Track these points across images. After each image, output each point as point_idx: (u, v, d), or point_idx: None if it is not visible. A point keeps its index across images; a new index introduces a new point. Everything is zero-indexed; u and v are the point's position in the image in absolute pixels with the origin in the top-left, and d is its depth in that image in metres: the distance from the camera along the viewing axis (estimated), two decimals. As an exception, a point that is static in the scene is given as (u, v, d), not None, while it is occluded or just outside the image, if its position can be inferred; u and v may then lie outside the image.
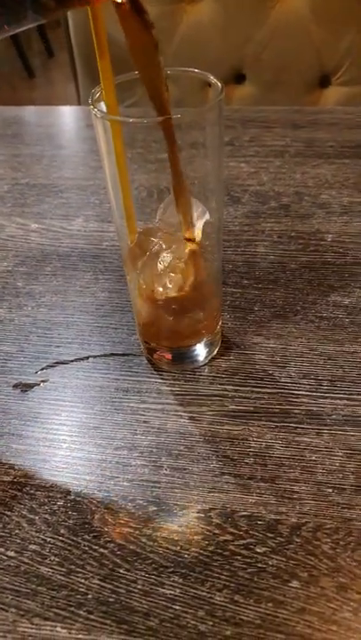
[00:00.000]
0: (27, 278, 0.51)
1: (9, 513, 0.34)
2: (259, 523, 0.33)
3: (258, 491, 0.34)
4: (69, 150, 0.74)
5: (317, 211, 0.56)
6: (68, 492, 0.35)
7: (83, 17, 0.97)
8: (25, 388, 0.42)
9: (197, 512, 0.34)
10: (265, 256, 0.51)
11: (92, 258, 0.54)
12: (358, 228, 0.53)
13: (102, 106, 0.32)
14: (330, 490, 0.34)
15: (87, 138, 0.75)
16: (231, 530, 0.33)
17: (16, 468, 0.37)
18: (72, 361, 0.44)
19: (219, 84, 0.31)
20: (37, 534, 0.33)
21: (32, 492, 0.35)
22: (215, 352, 0.43)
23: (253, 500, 0.34)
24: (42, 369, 0.43)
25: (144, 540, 0.33)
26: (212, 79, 0.32)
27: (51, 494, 0.35)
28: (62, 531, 0.33)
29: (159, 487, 0.35)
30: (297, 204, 0.57)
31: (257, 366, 0.42)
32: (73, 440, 0.38)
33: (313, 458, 0.36)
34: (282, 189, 0.60)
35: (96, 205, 0.60)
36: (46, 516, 0.34)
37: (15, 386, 0.42)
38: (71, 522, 0.34)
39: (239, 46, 0.99)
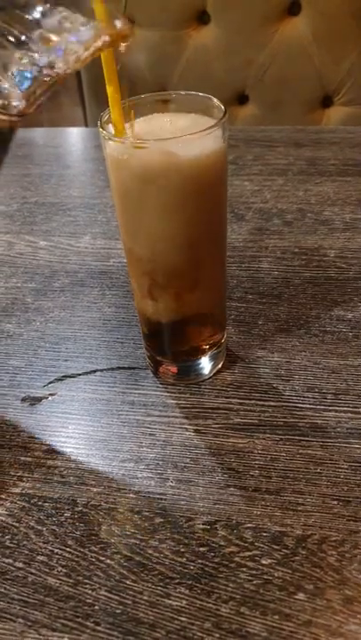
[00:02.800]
0: (35, 294, 0.52)
1: (17, 524, 0.35)
2: (264, 534, 0.33)
3: (263, 503, 0.35)
4: (77, 170, 0.76)
5: (320, 227, 0.57)
6: (76, 504, 0.35)
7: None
8: (33, 401, 0.42)
9: (203, 524, 0.34)
10: (269, 271, 0.52)
11: (99, 274, 0.55)
12: (360, 243, 0.54)
13: (110, 127, 0.33)
14: (335, 502, 0.34)
15: (94, 158, 0.77)
16: (237, 542, 0.33)
17: (24, 479, 0.37)
18: (79, 375, 0.44)
19: (222, 107, 0.32)
20: (45, 545, 0.34)
21: (40, 503, 0.36)
22: (220, 365, 0.43)
23: (259, 512, 0.34)
24: (50, 382, 0.44)
25: (150, 552, 0.33)
26: (216, 102, 0.33)
27: (58, 506, 0.35)
28: (70, 542, 0.34)
29: (165, 499, 0.35)
30: (300, 221, 0.58)
31: (261, 379, 0.42)
32: (80, 452, 0.39)
33: (318, 470, 0.36)
34: (285, 206, 0.61)
35: (103, 223, 0.62)
36: (54, 527, 0.34)
37: (24, 399, 0.43)
38: (78, 533, 0.34)
39: (242, 68, 1.01)
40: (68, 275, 0.55)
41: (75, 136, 0.87)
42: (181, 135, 0.30)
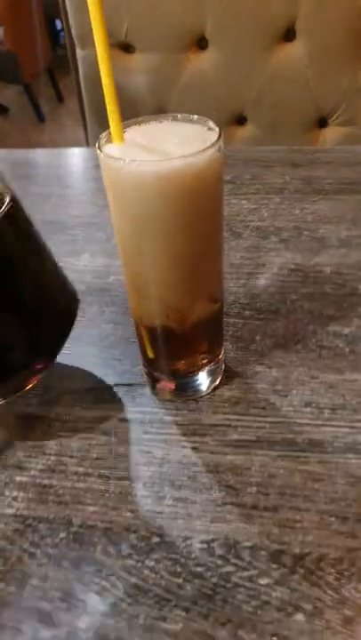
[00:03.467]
0: (33, 312, 0.53)
1: (10, 547, 0.34)
2: (262, 553, 0.33)
3: (260, 520, 0.34)
4: (77, 190, 0.77)
5: (316, 244, 0.57)
6: (71, 524, 0.35)
7: (92, 64, 1.03)
8: (30, 419, 0.42)
9: (200, 543, 0.33)
10: (266, 288, 0.53)
11: (98, 291, 0.55)
12: (355, 260, 0.54)
13: (109, 149, 0.33)
14: (333, 519, 0.34)
15: (94, 178, 0.78)
16: (234, 561, 0.32)
17: (19, 500, 0.37)
18: (76, 392, 0.44)
19: (217, 129, 0.33)
20: (39, 568, 0.33)
21: (34, 524, 0.35)
22: (218, 381, 0.43)
23: (256, 530, 0.34)
24: (47, 400, 0.44)
25: (146, 573, 0.32)
26: (212, 124, 0.34)
27: (53, 526, 0.35)
28: (64, 564, 0.33)
29: (162, 518, 0.35)
30: (296, 239, 0.59)
31: (259, 395, 0.42)
32: (76, 471, 0.38)
33: (315, 486, 0.36)
34: (282, 224, 0.61)
35: (103, 241, 0.62)
36: (48, 549, 0.34)
37: (20, 417, 0.42)
38: (73, 554, 0.33)
39: (240, 90, 1.03)
40: (66, 293, 0.55)
41: (75, 156, 0.88)
42: (177, 157, 0.31)
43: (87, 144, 1.17)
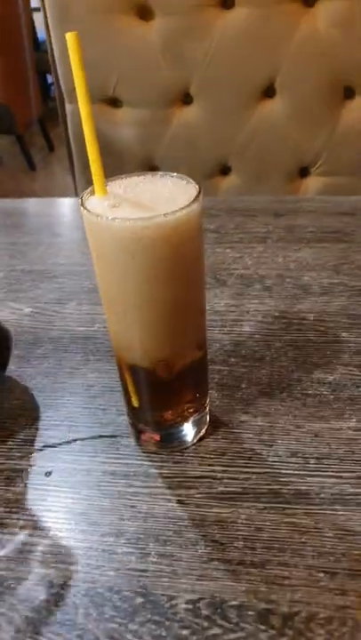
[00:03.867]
0: (18, 361, 0.52)
1: (-11, 609, 0.33)
2: (249, 613, 0.31)
3: (248, 577, 0.33)
4: (65, 238, 0.78)
5: (299, 292, 0.58)
6: (52, 585, 0.34)
7: (80, 117, 1.07)
8: (12, 473, 0.41)
9: (186, 602, 0.32)
10: (250, 335, 0.53)
11: (83, 339, 0.55)
12: (338, 307, 0.55)
13: (91, 202, 0.34)
14: (321, 574, 0.33)
15: (82, 227, 0.80)
16: (221, 622, 0.31)
17: (-1, 558, 0.35)
18: (60, 444, 0.44)
19: (197, 186, 0.34)
20: (17, 635, 0.32)
21: (13, 586, 0.34)
22: (203, 431, 0.43)
23: (243, 588, 0.33)
24: (30, 453, 0.43)
25: (129, 637, 0.31)
26: (191, 181, 0.35)
27: (33, 588, 0.34)
28: (43, 630, 0.32)
29: (146, 576, 0.34)
30: (280, 286, 0.60)
31: (245, 445, 0.42)
32: (58, 527, 0.37)
33: (303, 539, 0.35)
34: (265, 272, 0.63)
35: (90, 289, 0.63)
36: (27, 613, 0.32)
37: (2, 471, 0.41)
38: (53, 619, 0.32)
39: (224, 143, 1.08)
40: (51, 341, 0.55)
41: (64, 206, 0.90)
42: (158, 214, 0.32)
43: (76, 193, 1.20)
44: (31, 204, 0.92)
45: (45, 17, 1.00)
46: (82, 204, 0.34)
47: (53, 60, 1.03)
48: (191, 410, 0.42)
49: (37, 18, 3.14)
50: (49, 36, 1.02)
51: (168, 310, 0.36)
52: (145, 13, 0.96)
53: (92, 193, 0.35)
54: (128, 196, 0.35)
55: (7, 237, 0.78)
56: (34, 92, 2.85)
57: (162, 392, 0.41)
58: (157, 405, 0.42)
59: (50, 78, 3.96)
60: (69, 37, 0.30)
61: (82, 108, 0.33)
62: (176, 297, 0.36)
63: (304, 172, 1.09)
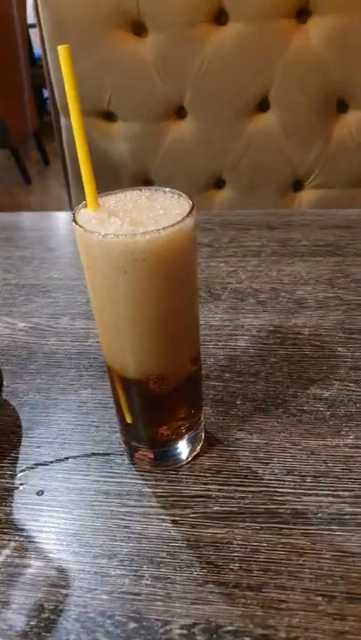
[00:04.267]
0: (11, 377, 0.52)
1: (-23, 635, 0.32)
2: (245, 639, 0.31)
3: (244, 601, 0.32)
4: (59, 252, 0.78)
5: (294, 306, 0.58)
6: (43, 610, 0.33)
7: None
8: (3, 492, 0.40)
9: (180, 628, 0.31)
10: (245, 350, 0.53)
11: (76, 355, 0.54)
12: (334, 321, 0.55)
13: (84, 216, 0.34)
14: (319, 598, 0.32)
15: (75, 241, 0.79)
16: (216, 648, 0.30)
17: (-12, 582, 0.34)
18: (52, 462, 0.43)
19: (190, 202, 0.34)
20: (7, 660, 0.31)
21: (2, 610, 0.33)
22: (198, 449, 0.42)
23: (239, 612, 0.32)
24: (21, 471, 0.42)
25: (123, 664, 0.30)
26: (184, 196, 0.35)
27: (23, 612, 0.33)
28: (34, 655, 0.31)
29: (140, 600, 0.33)
30: (274, 300, 0.59)
31: (241, 463, 0.41)
32: (50, 549, 0.36)
33: (300, 561, 0.34)
34: (259, 286, 0.62)
35: (83, 304, 0.62)
36: (17, 639, 0.31)
37: (-8, 490, 0.41)
38: (44, 644, 0.31)
39: (219, 156, 1.08)
40: (45, 356, 0.55)
41: (58, 220, 0.90)
42: (149, 230, 0.31)
43: (70, 207, 1.20)
44: (25, 218, 0.91)
45: (41, 32, 1.01)
46: (74, 219, 0.34)
47: (49, 75, 1.04)
48: (185, 427, 0.41)
49: (33, 33, 3.18)
50: (44, 50, 1.02)
51: (160, 325, 0.36)
52: (139, 29, 0.97)
53: (85, 207, 0.35)
54: (121, 211, 0.35)
55: (1, 251, 0.77)
56: (29, 107, 2.88)
57: (155, 407, 0.40)
58: (151, 421, 0.41)
59: (46, 93, 4.00)
60: (61, 50, 0.30)
61: (73, 121, 0.32)
62: (168, 312, 0.35)
63: (298, 185, 1.09)
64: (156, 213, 0.34)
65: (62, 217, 0.90)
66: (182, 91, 1.02)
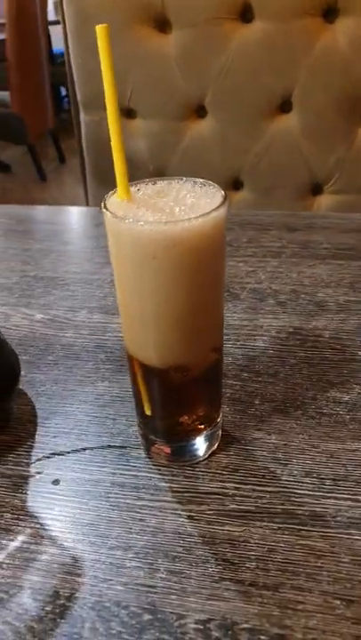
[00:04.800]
0: (29, 367, 0.52)
1: (-8, 620, 0.32)
2: (262, 638, 0.30)
3: (260, 600, 0.32)
4: (76, 247, 0.78)
5: (314, 308, 0.58)
6: (58, 596, 0.33)
7: (94, 128, 1.07)
8: (19, 479, 0.40)
9: (195, 623, 0.31)
10: (264, 350, 0.52)
11: (94, 348, 0.54)
12: (355, 325, 0.55)
13: (114, 205, 0.34)
14: (337, 602, 0.32)
15: (94, 236, 0.80)
16: (232, 645, 0.30)
17: (4, 566, 0.34)
18: (68, 452, 0.43)
19: (222, 192, 0.34)
20: (21, 646, 0.31)
21: (19, 594, 0.33)
22: (215, 446, 0.42)
23: (255, 611, 0.32)
24: (38, 460, 0.42)
25: (137, 656, 0.30)
26: (216, 187, 0.35)
27: (39, 598, 0.33)
28: (48, 642, 0.31)
29: (155, 592, 0.33)
30: (294, 302, 0.59)
31: (258, 463, 0.41)
32: (65, 537, 0.36)
33: (318, 564, 0.34)
34: (279, 287, 0.62)
35: (101, 298, 0.62)
36: (33, 623, 0.31)
37: (10, 477, 0.41)
38: (59, 631, 0.31)
39: (237, 157, 1.08)
40: (62, 348, 0.55)
41: (74, 214, 0.90)
42: (180, 219, 0.31)
43: (87, 203, 1.20)
44: (41, 212, 0.92)
45: (64, 28, 1.01)
46: (104, 206, 0.34)
47: (70, 70, 1.04)
48: (204, 424, 0.41)
49: (53, 31, 3.20)
50: (66, 46, 1.03)
51: (187, 314, 0.35)
52: (163, 25, 0.97)
53: (115, 195, 0.35)
54: (151, 199, 0.35)
55: (19, 243, 0.77)
56: (48, 104, 2.89)
57: (176, 396, 0.40)
58: (171, 411, 0.41)
59: (63, 91, 4.01)
60: (99, 30, 0.30)
61: (108, 103, 0.32)
62: (195, 300, 0.35)
63: (317, 189, 1.09)
64: (187, 203, 0.34)
65: (79, 211, 0.90)
66: (204, 89, 1.02)
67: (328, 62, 0.94)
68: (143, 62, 1.00)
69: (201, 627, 0.31)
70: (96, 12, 0.96)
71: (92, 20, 0.98)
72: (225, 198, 0.34)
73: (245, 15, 0.94)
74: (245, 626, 0.31)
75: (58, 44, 3.39)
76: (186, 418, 0.40)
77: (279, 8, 0.92)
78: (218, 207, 0.33)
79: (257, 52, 0.98)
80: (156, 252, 0.32)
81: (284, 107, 1.01)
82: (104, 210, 0.33)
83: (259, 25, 0.94)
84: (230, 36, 0.96)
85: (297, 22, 0.92)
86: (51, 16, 3.17)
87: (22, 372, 0.51)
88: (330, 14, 0.92)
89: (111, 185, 0.35)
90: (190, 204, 0.34)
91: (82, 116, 1.08)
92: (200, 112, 1.05)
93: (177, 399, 0.40)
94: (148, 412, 0.40)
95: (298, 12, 0.92)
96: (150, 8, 0.95)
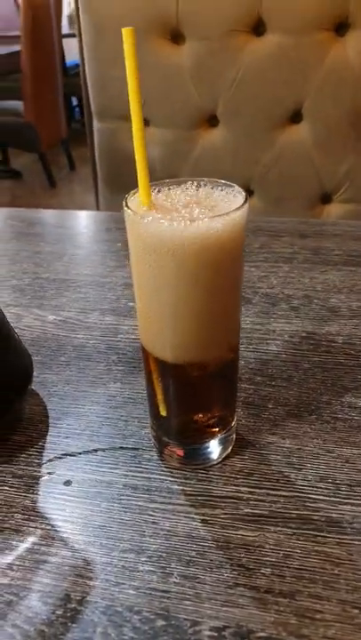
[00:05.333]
0: (41, 367, 0.51)
1: (1, 622, 0.31)
2: (278, 645, 0.29)
3: (276, 607, 0.31)
4: (88, 250, 0.78)
5: (327, 314, 0.57)
6: (69, 600, 0.32)
7: (106, 136, 1.08)
8: (31, 480, 0.40)
9: (210, 630, 0.30)
10: (277, 354, 0.52)
11: (105, 349, 0.54)
12: (369, 331, 0.54)
13: (134, 203, 0.34)
14: (356, 611, 0.31)
15: (105, 240, 0.80)
16: (248, 653, 0.29)
17: (14, 568, 0.34)
18: (80, 453, 0.42)
19: (243, 193, 0.34)
20: (30, 649, 0.30)
21: (29, 597, 0.32)
22: (229, 450, 0.41)
23: (272, 619, 0.31)
24: (49, 460, 0.41)
25: (150, 662, 0.29)
26: (237, 189, 0.35)
27: (49, 601, 0.32)
28: (59, 646, 0.30)
29: (168, 597, 0.32)
30: (307, 307, 0.59)
31: (273, 467, 0.40)
32: (77, 539, 0.36)
33: (335, 571, 0.33)
34: (291, 292, 0.62)
35: (113, 301, 0.62)
36: (43, 627, 0.31)
37: (21, 477, 0.40)
38: (70, 635, 0.30)
39: (248, 166, 1.08)
40: (74, 349, 0.54)
41: (85, 219, 0.90)
42: (201, 218, 0.31)
43: (97, 208, 1.20)
44: (51, 215, 0.92)
45: (80, 41, 1.02)
46: (125, 204, 0.33)
47: (85, 80, 1.05)
48: (218, 426, 0.40)
49: (66, 43, 3.25)
50: (82, 56, 1.04)
51: (204, 313, 0.35)
52: (177, 37, 0.98)
53: (136, 194, 0.35)
54: (172, 199, 0.34)
55: (31, 246, 0.78)
56: (61, 114, 2.93)
57: (192, 393, 0.39)
58: (185, 409, 0.40)
59: (74, 101, 4.06)
60: (126, 32, 0.30)
61: (132, 104, 0.32)
62: (213, 300, 0.35)
63: (326, 199, 1.09)
64: (208, 203, 0.34)
65: (90, 216, 0.91)
66: (216, 99, 1.02)
67: (338, 75, 0.95)
68: (157, 72, 1.01)
69: (216, 634, 0.30)
70: (111, 23, 0.97)
71: (107, 32, 0.99)
72: (246, 200, 0.33)
73: (258, 29, 0.95)
74: (262, 634, 0.30)
75: (70, 57, 3.44)
76: (201, 416, 0.39)
77: (291, 22, 0.93)
78: (239, 208, 0.32)
79: (269, 64, 0.98)
80: (175, 251, 0.32)
81: (295, 118, 1.01)
82: (125, 208, 0.33)
83: (271, 38, 0.95)
84: (243, 49, 0.97)
85: (308, 36, 0.93)
86: (65, 29, 3.22)
87: (35, 373, 0.50)
88: (341, 28, 0.93)
89: (123, 191, 0.35)
90: (211, 205, 0.34)
91: (95, 125, 1.09)
92: (212, 122, 1.06)
93: (192, 395, 0.39)
94: (162, 413, 0.40)
95: (310, 26, 0.93)
96: (165, 20, 0.96)
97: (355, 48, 0.93)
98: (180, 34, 0.98)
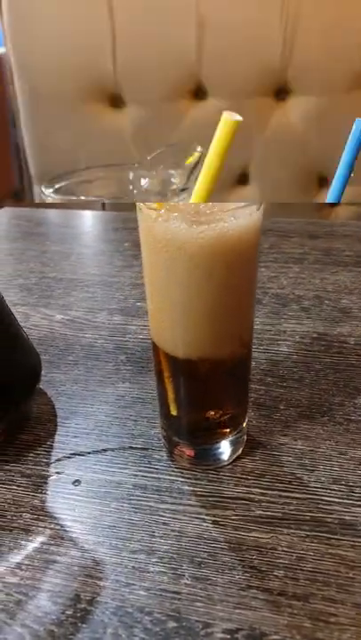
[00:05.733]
0: (48, 366, 0.51)
1: (10, 621, 0.31)
2: (293, 650, 0.29)
3: (290, 610, 0.31)
4: (96, 249, 0.78)
5: (339, 315, 0.57)
6: (79, 600, 0.31)
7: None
8: (39, 479, 0.39)
9: (222, 632, 0.30)
10: (288, 355, 0.51)
11: (114, 349, 0.54)
12: (381, 332, 0.54)
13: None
14: (372, 614, 0.30)
15: (113, 240, 0.80)
16: (261, 657, 0.29)
17: (23, 567, 0.33)
18: (89, 453, 0.42)
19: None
20: (40, 650, 0.29)
21: (38, 596, 0.32)
22: (240, 451, 0.41)
23: (285, 622, 0.30)
24: (58, 460, 0.41)
25: (161, 665, 0.29)
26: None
27: (59, 601, 0.31)
28: (68, 647, 0.29)
29: (179, 599, 0.32)
30: (318, 307, 0.58)
31: (285, 468, 0.40)
32: (86, 539, 0.35)
33: (350, 575, 0.32)
34: (302, 293, 0.61)
35: (121, 300, 0.62)
36: (53, 627, 0.30)
37: (29, 477, 0.40)
38: (80, 635, 0.30)
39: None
40: (82, 348, 0.54)
41: (91, 218, 0.90)
42: (216, 218, 0.31)
43: (103, 207, 1.19)
44: (56, 215, 0.91)
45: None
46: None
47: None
48: (229, 427, 0.40)
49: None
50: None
51: (218, 310, 0.34)
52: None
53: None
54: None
55: (38, 245, 0.77)
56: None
57: (202, 387, 0.38)
58: (197, 405, 0.39)
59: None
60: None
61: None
62: (227, 298, 0.34)
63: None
64: (223, 205, 0.33)
65: (96, 215, 0.90)
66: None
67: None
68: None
69: (229, 636, 0.30)
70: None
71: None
72: (262, 202, 0.33)
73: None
74: (275, 637, 0.30)
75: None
76: (212, 413, 0.39)
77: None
78: (253, 207, 0.32)
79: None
80: (190, 246, 0.31)
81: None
82: (138, 204, 0.33)
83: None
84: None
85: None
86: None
87: (42, 372, 0.50)
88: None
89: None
90: (225, 205, 0.33)
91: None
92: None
93: (204, 392, 0.38)
94: (173, 412, 0.39)
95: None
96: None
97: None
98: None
